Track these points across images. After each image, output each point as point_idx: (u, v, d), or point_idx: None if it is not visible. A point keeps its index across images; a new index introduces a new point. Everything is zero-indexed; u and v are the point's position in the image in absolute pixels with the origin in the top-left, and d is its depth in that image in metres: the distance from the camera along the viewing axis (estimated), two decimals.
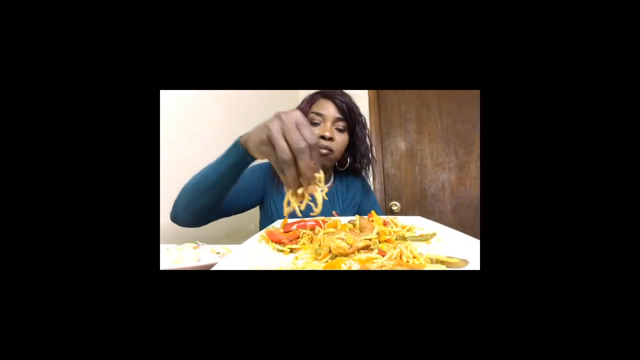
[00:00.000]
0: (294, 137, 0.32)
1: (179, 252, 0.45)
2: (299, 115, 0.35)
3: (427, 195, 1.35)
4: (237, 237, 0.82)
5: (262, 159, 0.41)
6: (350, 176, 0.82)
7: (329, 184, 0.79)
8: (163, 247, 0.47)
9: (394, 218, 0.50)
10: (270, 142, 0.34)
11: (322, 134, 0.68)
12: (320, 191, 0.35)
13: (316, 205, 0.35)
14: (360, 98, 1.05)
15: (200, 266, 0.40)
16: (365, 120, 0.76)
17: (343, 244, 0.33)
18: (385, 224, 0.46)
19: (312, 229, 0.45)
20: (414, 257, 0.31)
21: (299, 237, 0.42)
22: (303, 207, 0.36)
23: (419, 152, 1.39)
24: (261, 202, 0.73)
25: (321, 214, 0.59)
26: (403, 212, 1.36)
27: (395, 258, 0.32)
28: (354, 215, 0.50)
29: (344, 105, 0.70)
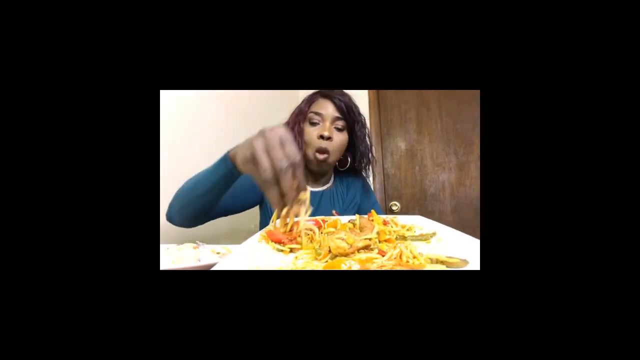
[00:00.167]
0: (277, 155, 0.32)
1: (179, 252, 0.45)
2: (283, 131, 0.34)
3: (427, 195, 1.35)
4: (237, 237, 0.82)
5: (248, 174, 0.39)
6: (350, 176, 0.82)
7: (329, 184, 0.79)
8: (163, 247, 0.47)
9: (394, 217, 0.50)
10: (254, 160, 0.33)
11: (320, 133, 0.68)
12: (304, 213, 0.34)
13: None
14: (360, 98, 1.04)
15: (200, 266, 0.40)
16: (364, 119, 0.76)
17: (343, 244, 0.33)
18: (385, 223, 0.46)
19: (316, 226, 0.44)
20: (414, 257, 0.31)
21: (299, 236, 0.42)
22: (288, 228, 0.35)
23: (419, 152, 1.39)
24: (261, 202, 0.73)
25: (321, 214, 0.59)
26: (403, 212, 1.36)
27: (395, 258, 0.32)
28: (354, 215, 0.49)
29: (343, 105, 0.70)
